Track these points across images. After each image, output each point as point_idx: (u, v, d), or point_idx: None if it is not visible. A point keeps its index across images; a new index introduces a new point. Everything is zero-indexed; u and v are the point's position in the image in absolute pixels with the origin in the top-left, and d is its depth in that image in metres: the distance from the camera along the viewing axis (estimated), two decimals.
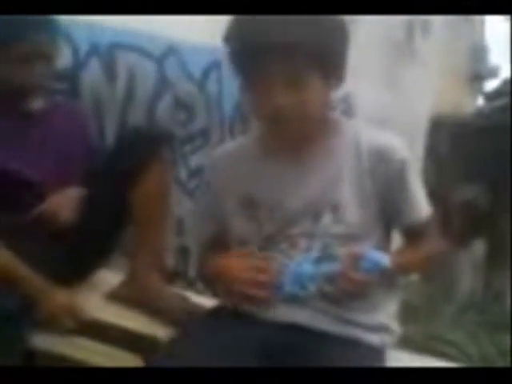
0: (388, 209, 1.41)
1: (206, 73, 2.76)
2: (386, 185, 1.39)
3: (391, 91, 3.99)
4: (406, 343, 1.42)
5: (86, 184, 1.71)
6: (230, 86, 2.76)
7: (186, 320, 1.56)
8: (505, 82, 6.76)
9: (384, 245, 1.44)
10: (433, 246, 1.47)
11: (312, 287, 1.36)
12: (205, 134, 2.78)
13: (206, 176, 1.59)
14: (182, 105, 2.69)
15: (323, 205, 1.39)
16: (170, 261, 2.64)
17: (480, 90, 6.92)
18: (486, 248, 5.06)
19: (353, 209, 1.38)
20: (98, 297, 1.76)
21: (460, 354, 3.07)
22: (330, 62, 1.34)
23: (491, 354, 3.11)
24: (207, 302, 1.67)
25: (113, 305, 1.72)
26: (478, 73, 6.60)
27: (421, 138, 4.39)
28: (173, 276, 2.62)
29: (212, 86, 2.76)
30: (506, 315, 3.82)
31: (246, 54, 1.32)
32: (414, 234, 1.44)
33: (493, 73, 6.90)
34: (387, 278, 1.36)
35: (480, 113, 6.19)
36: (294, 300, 1.37)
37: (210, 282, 1.55)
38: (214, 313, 1.50)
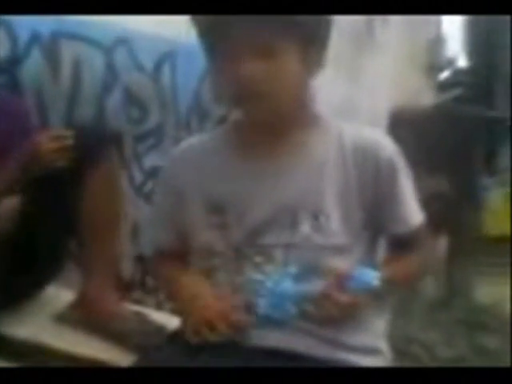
0: (376, 215, 1.24)
1: (158, 64, 2.54)
2: (374, 187, 1.22)
3: (352, 83, 3.89)
4: None
5: (25, 190, 1.48)
6: (185, 79, 2.56)
7: (145, 344, 1.37)
8: (460, 72, 6.77)
9: (370, 256, 1.27)
10: (426, 255, 1.31)
11: (292, 309, 1.17)
12: (159, 131, 2.57)
13: (165, 176, 1.38)
14: (134, 100, 2.47)
15: (302, 211, 1.21)
16: (126, 270, 2.43)
17: (437, 81, 6.94)
18: (447, 242, 4.99)
19: (336, 215, 1.21)
20: (45, 318, 1.54)
21: (432, 357, 2.97)
22: (308, 39, 1.18)
23: (467, 355, 3.01)
24: (168, 319, 1.48)
25: (62, 328, 1.50)
26: (435, 63, 6.60)
27: (382, 130, 4.31)
28: (129, 286, 2.41)
29: (166, 79, 2.55)
30: (476, 311, 3.74)
31: (213, 23, 1.17)
32: (404, 244, 1.28)
33: (450, 63, 6.91)
34: (376, 296, 1.18)
35: (438, 104, 6.16)
36: (271, 322, 1.19)
37: (172, 298, 1.36)
38: (177, 336, 1.30)
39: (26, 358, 1.39)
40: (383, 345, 1.28)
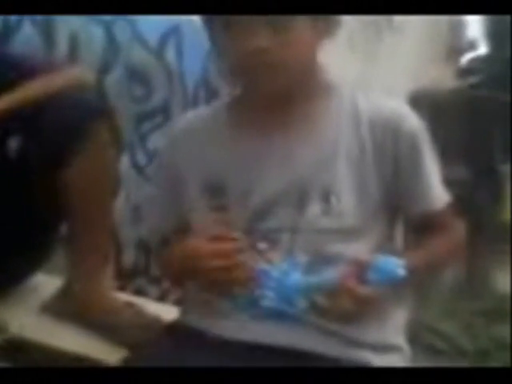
0: (395, 195, 1.10)
1: (163, 40, 2.40)
2: (393, 164, 1.08)
3: (369, 65, 3.78)
4: None
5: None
6: (192, 54, 2.41)
7: (139, 339, 1.24)
8: (480, 58, 6.61)
9: (388, 242, 1.13)
10: (452, 239, 1.16)
11: (302, 303, 1.03)
12: (164, 109, 2.42)
13: (163, 156, 1.25)
14: (137, 77, 2.33)
15: (310, 191, 1.07)
16: (128, 257, 2.30)
17: (457, 65, 6.79)
18: (466, 229, 4.84)
19: (349, 196, 1.07)
20: (30, 310, 1.41)
21: (453, 348, 2.84)
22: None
23: (488, 348, 2.87)
24: (166, 310, 1.34)
25: (47, 320, 1.37)
26: (455, 47, 6.44)
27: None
28: (131, 275, 2.28)
29: (171, 55, 2.40)
30: (499, 301, 3.60)
31: None
32: (428, 227, 1.13)
33: (470, 47, 6.74)
34: (397, 287, 1.04)
35: (458, 89, 6.01)
36: (277, 317, 1.05)
37: (172, 272, 1.22)
38: (172, 330, 1.17)
39: (7, 352, 1.26)
40: (402, 341, 1.14)
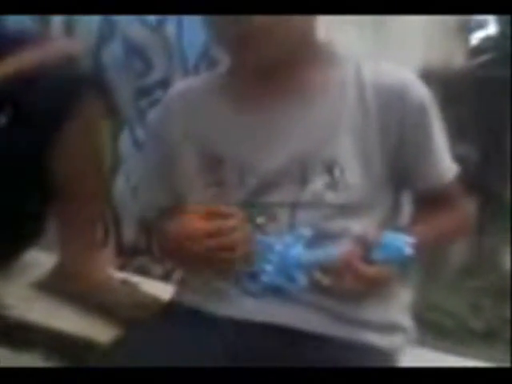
0: (401, 168, 1.05)
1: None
2: (400, 135, 1.03)
3: (379, 42, 3.67)
4: None
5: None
6: (192, 28, 2.34)
7: (134, 317, 1.19)
8: (491, 37, 6.53)
9: (394, 217, 1.08)
10: (460, 215, 1.11)
11: (302, 279, 0.99)
12: (165, 84, 2.36)
13: (156, 128, 1.19)
14: (136, 52, 2.27)
15: (313, 163, 1.02)
16: (128, 235, 2.26)
17: (467, 44, 6.69)
18: (476, 207, 4.79)
19: (354, 168, 1.02)
20: (22, 287, 1.37)
21: (460, 327, 2.80)
22: None
23: (496, 327, 2.83)
24: (165, 289, 1.30)
25: (39, 298, 1.33)
26: (466, 25, 6.34)
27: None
28: (132, 253, 2.24)
29: (171, 28, 2.34)
30: (507, 280, 3.56)
31: None
32: (435, 202, 1.07)
33: (481, 26, 6.63)
34: (403, 264, 0.99)
35: (468, 67, 5.92)
36: (276, 294, 1.01)
37: (166, 251, 1.16)
38: (168, 309, 1.13)
39: None
40: (407, 321, 1.09)
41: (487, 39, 6.61)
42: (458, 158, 1.10)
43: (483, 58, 6.33)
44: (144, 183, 1.21)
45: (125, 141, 2.22)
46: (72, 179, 1.26)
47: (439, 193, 1.06)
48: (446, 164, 1.06)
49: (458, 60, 6.02)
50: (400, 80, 1.04)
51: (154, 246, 1.22)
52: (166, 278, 2.13)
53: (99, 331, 1.25)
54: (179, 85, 1.20)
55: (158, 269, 2.26)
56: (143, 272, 2.15)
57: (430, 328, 2.63)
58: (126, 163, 2.20)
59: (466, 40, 6.56)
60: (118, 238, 2.27)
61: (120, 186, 2.14)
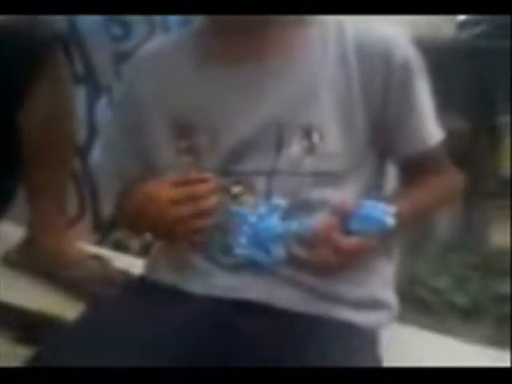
0: (384, 133, 0.98)
1: None
2: (383, 96, 0.96)
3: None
4: None
5: None
6: None
7: (102, 292, 1.14)
8: None
9: (377, 186, 1.02)
10: (446, 183, 1.04)
11: (279, 251, 0.92)
12: None
13: (122, 90, 1.11)
14: (115, 16, 2.17)
15: (291, 127, 0.95)
16: (106, 208, 2.19)
17: (457, 18, 6.60)
18: (464, 183, 4.76)
19: (334, 133, 0.95)
20: None
21: (445, 303, 2.77)
22: None
23: (483, 301, 2.80)
24: (139, 264, 1.23)
25: (5, 273, 1.26)
26: None
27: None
28: (111, 227, 2.17)
29: None
30: (494, 256, 3.53)
31: None
32: (420, 167, 1.01)
33: None
34: (385, 236, 0.92)
35: (459, 38, 5.84)
36: (251, 268, 0.94)
37: (129, 221, 1.10)
38: (138, 284, 1.07)
39: None
40: (390, 296, 1.04)
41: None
42: (447, 131, 1.04)
43: (475, 30, 6.25)
44: (112, 149, 1.14)
45: (102, 108, 2.13)
46: (40, 144, 1.19)
47: (423, 159, 1.00)
48: (430, 128, 1.00)
49: (448, 31, 5.94)
50: (384, 37, 0.97)
51: (118, 214, 1.15)
52: (143, 253, 2.07)
53: (66, 308, 1.19)
54: (149, 45, 1.13)
55: (135, 244, 2.20)
56: (120, 247, 2.08)
57: (414, 304, 2.60)
58: (103, 131, 2.13)
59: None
60: (95, 211, 2.20)
61: (97, 156, 2.06)
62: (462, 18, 6.60)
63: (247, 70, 0.97)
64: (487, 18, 6.25)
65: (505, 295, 2.91)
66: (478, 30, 6.13)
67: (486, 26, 6.08)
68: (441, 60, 4.91)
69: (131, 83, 1.07)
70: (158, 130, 1.01)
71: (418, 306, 2.65)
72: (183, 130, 0.99)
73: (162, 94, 1.02)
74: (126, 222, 1.12)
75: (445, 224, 4.28)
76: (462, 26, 6.47)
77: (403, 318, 1.15)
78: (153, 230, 1.00)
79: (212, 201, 0.93)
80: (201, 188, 0.93)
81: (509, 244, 3.71)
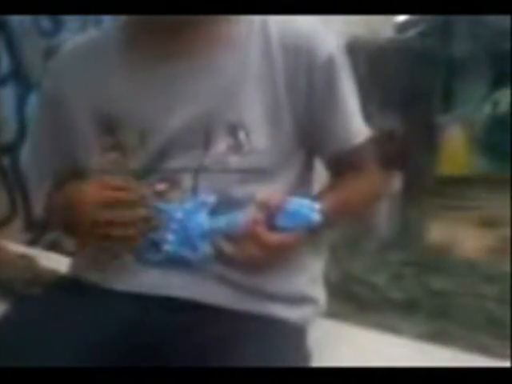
0: (310, 129, 0.98)
1: None
2: (307, 93, 0.96)
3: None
4: (325, 286, 1.08)
5: None
6: None
7: (27, 291, 1.11)
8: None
9: (304, 183, 1.02)
10: (373, 178, 1.05)
11: (206, 248, 0.92)
12: None
13: (47, 85, 1.07)
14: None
15: (217, 125, 0.94)
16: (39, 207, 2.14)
17: (395, 20, 6.69)
18: (402, 181, 4.86)
19: (260, 130, 0.94)
20: None
21: (382, 298, 2.81)
22: None
23: (418, 296, 2.86)
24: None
25: None
26: None
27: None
28: (44, 227, 2.12)
29: None
30: (429, 254, 3.61)
31: None
32: (346, 165, 1.02)
33: None
34: (312, 232, 0.92)
35: (396, 39, 5.94)
36: (178, 264, 0.93)
37: (54, 222, 1.09)
38: (62, 282, 1.04)
39: None
40: (318, 292, 1.04)
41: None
42: (385, 131, 1.05)
43: (411, 32, 6.38)
44: (37, 150, 1.10)
45: (32, 105, 2.08)
46: None
47: (348, 157, 1.01)
48: (355, 125, 1.00)
49: (386, 32, 6.04)
50: (308, 34, 0.97)
51: (46, 215, 1.12)
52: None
53: None
54: (74, 40, 1.10)
55: (70, 243, 2.15)
56: (55, 247, 2.04)
57: (351, 300, 2.63)
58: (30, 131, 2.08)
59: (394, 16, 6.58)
60: (27, 211, 2.15)
61: (27, 154, 2.01)
62: (400, 19, 6.74)
63: (173, 66, 0.96)
64: (425, 18, 6.40)
65: (439, 291, 2.98)
66: (415, 30, 6.27)
67: (424, 26, 6.22)
68: (379, 60, 5.01)
69: (55, 79, 1.04)
70: (82, 127, 0.99)
71: (355, 301, 2.68)
72: (108, 127, 0.97)
73: (87, 90, 0.99)
74: (53, 223, 1.10)
75: (382, 221, 4.35)
76: (400, 26, 6.61)
77: (339, 313, 1.16)
78: (76, 230, 0.97)
79: (134, 212, 0.92)
80: (126, 196, 0.92)
81: (444, 241, 3.80)
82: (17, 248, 1.35)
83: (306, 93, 0.96)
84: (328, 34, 0.99)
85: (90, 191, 0.93)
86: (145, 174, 0.96)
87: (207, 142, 0.94)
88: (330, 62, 0.96)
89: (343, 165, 1.02)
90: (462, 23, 6.08)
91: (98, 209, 0.91)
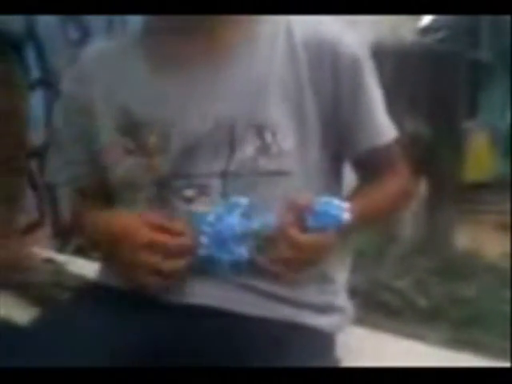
0: (337, 129, 0.97)
1: None
2: (332, 93, 0.96)
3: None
4: (351, 293, 1.08)
5: None
6: None
7: (56, 297, 1.11)
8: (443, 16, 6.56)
9: (333, 184, 1.01)
10: (402, 178, 1.04)
11: (241, 251, 0.91)
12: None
13: (70, 91, 1.07)
14: (72, 20, 2.15)
15: (242, 127, 0.93)
16: (66, 214, 2.16)
17: (419, 24, 6.66)
18: (427, 187, 4.82)
19: (287, 130, 0.94)
20: None
21: (406, 304, 2.79)
22: None
23: (442, 304, 2.83)
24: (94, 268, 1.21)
25: None
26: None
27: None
28: (71, 233, 2.14)
29: None
30: (456, 260, 3.56)
31: None
32: (374, 165, 1.01)
33: None
34: (342, 235, 0.92)
35: (422, 43, 5.89)
36: (205, 275, 0.93)
37: (96, 243, 1.07)
38: (93, 289, 1.05)
39: None
40: (345, 300, 1.04)
41: (440, 17, 6.61)
42: (410, 135, 1.04)
43: (437, 35, 6.33)
44: (59, 156, 1.10)
45: (59, 112, 2.11)
46: None
47: (375, 157, 1.00)
48: (383, 124, 1.00)
49: (410, 36, 5.99)
50: (332, 33, 0.97)
51: (76, 230, 1.11)
52: None
53: (18, 312, 1.16)
54: (95, 46, 1.11)
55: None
56: (82, 253, 2.06)
57: (377, 307, 2.61)
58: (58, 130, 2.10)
59: (418, 18, 6.54)
60: (55, 217, 2.17)
61: (54, 161, 2.03)
62: (424, 22, 6.69)
63: (197, 68, 0.96)
64: (449, 22, 6.35)
65: (465, 297, 2.95)
66: (440, 34, 6.22)
67: (449, 31, 6.17)
68: (404, 65, 4.98)
69: (79, 83, 1.04)
70: (107, 132, 0.99)
71: (381, 308, 2.66)
72: (131, 132, 0.97)
73: (110, 93, 1.00)
74: (93, 243, 1.09)
75: (408, 227, 4.32)
76: (425, 31, 6.56)
77: (365, 320, 1.15)
78: (119, 262, 0.97)
79: (180, 262, 0.92)
80: (175, 242, 0.92)
81: (470, 247, 3.76)
82: (44, 254, 1.36)
83: (331, 93, 0.95)
84: (352, 34, 0.98)
85: (139, 230, 0.92)
86: (170, 178, 0.96)
87: (233, 144, 0.94)
88: (355, 62, 0.96)
89: (371, 165, 1.01)
90: (487, 28, 6.03)
91: (143, 249, 0.91)
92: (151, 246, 0.91)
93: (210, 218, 0.92)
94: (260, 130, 0.93)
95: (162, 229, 0.92)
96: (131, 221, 0.94)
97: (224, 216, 0.92)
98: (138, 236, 0.92)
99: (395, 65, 4.64)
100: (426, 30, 6.60)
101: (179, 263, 0.91)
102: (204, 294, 0.93)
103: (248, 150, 0.93)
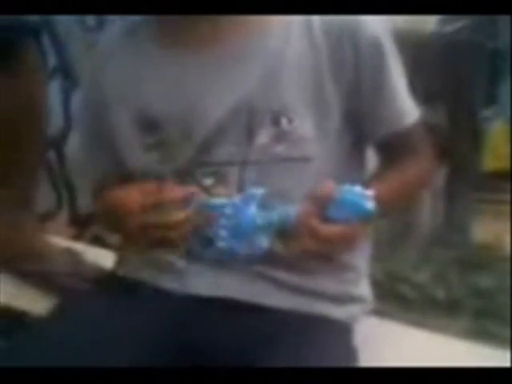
0: (358, 114, 0.95)
1: None
2: (354, 76, 0.93)
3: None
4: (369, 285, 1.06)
5: None
6: None
7: (74, 287, 1.11)
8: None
9: (354, 171, 0.99)
10: (423, 162, 1.01)
11: (262, 242, 0.88)
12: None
13: (85, 86, 1.07)
14: None
15: (259, 113, 0.91)
16: (85, 203, 2.16)
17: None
18: (445, 176, 4.77)
19: (305, 116, 0.92)
20: None
21: (425, 297, 2.76)
22: None
23: (461, 296, 2.80)
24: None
25: None
26: None
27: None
28: (88, 221, 2.14)
29: None
30: (474, 250, 3.53)
31: None
32: (398, 147, 0.98)
33: None
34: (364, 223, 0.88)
35: (440, 32, 5.82)
36: (224, 267, 0.92)
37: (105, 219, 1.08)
38: (110, 280, 1.04)
39: None
40: (365, 290, 1.02)
41: None
42: (429, 125, 1.02)
43: (456, 24, 6.24)
44: (86, 145, 1.10)
45: (77, 101, 2.10)
46: (7, 138, 1.15)
47: (401, 138, 0.97)
48: (406, 106, 0.96)
49: (429, 26, 5.92)
50: (351, 17, 0.93)
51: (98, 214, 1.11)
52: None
53: (36, 302, 1.16)
54: (107, 40, 1.08)
55: (113, 238, 2.16)
56: (98, 242, 2.05)
57: (394, 299, 2.59)
58: (78, 125, 2.09)
59: None
60: (72, 205, 2.17)
61: (73, 151, 2.03)
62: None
63: (210, 55, 0.94)
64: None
65: (484, 289, 2.92)
66: (459, 24, 6.13)
67: (468, 20, 6.08)
68: (422, 54, 4.92)
69: (95, 80, 1.03)
70: (125, 126, 0.98)
71: (398, 300, 2.64)
72: (148, 124, 0.96)
73: (124, 88, 0.98)
74: (101, 221, 1.10)
75: (426, 218, 4.28)
76: (444, 20, 6.47)
77: (382, 311, 1.14)
78: (122, 232, 0.97)
79: (179, 214, 0.90)
80: (167, 196, 0.90)
81: (488, 237, 3.72)
82: (61, 242, 1.36)
83: (352, 76, 0.92)
84: (373, 18, 0.95)
85: (130, 198, 0.92)
86: (190, 169, 0.94)
87: (250, 131, 0.91)
88: (375, 44, 0.93)
89: (395, 148, 0.98)
90: (507, 18, 5.95)
91: (140, 214, 0.90)
92: (146, 209, 0.89)
93: (228, 210, 0.90)
94: (275, 116, 0.91)
95: (151, 191, 0.91)
96: (121, 194, 0.95)
97: (242, 208, 0.89)
98: (130, 204, 0.91)
99: (413, 54, 4.60)
100: (444, 20, 6.53)
101: (179, 215, 0.89)
102: (223, 285, 0.92)
103: (265, 137, 0.91)
